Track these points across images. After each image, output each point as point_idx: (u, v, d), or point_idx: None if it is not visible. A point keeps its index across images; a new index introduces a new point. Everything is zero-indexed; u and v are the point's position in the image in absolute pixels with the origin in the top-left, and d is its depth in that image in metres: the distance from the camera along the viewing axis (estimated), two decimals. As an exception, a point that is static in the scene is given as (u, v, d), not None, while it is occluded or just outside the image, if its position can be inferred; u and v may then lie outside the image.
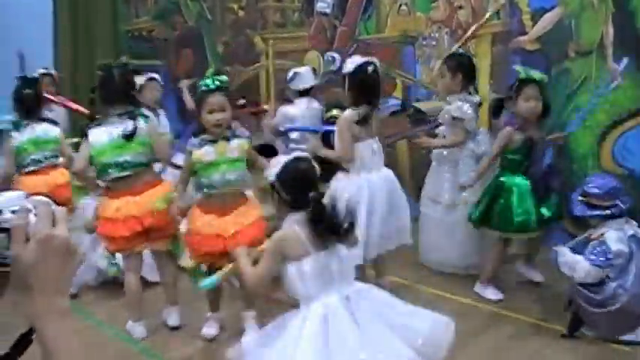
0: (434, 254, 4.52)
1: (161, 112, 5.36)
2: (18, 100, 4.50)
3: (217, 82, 3.50)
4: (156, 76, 5.26)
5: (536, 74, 3.96)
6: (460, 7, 5.24)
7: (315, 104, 5.09)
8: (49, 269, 0.99)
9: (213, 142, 3.49)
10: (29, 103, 4.51)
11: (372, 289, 2.79)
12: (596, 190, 3.55)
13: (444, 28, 5.34)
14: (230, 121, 3.57)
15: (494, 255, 4.18)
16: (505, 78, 4.96)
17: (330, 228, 2.62)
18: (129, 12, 8.33)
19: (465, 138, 4.32)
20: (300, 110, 5.03)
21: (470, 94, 4.35)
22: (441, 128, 4.46)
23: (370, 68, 3.85)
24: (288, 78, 5.10)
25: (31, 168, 4.48)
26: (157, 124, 4.61)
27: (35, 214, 1.00)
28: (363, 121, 3.85)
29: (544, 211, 3.95)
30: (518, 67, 4.07)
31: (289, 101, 5.20)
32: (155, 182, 3.72)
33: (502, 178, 4.04)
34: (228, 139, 3.52)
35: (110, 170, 3.59)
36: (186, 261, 3.84)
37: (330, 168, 3.89)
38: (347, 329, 2.55)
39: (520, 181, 3.97)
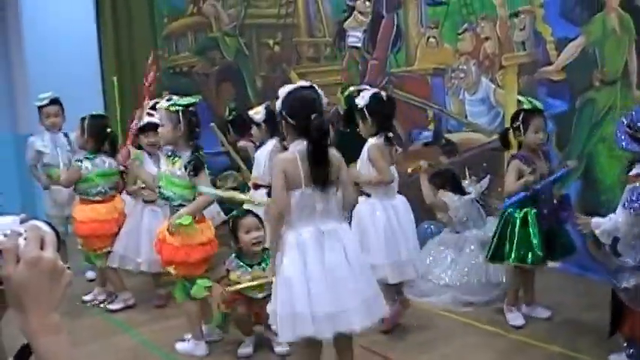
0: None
1: None
2: (94, 135, 4.95)
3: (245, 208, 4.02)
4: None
5: (539, 104, 4.17)
6: (487, 39, 5.47)
7: None
8: (39, 289, 1.08)
9: (250, 266, 3.89)
10: (104, 139, 4.99)
11: (347, 233, 3.24)
12: None
13: (472, 59, 5.58)
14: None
15: (509, 279, 4.44)
16: (532, 108, 5.18)
17: (323, 162, 3.05)
18: (169, 49, 8.80)
19: (436, 204, 4.85)
20: None
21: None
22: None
23: (384, 95, 4.17)
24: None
25: (97, 198, 4.95)
26: None
27: (25, 238, 1.10)
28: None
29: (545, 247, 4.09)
30: (521, 98, 4.29)
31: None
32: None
33: (509, 210, 4.21)
34: (263, 265, 3.91)
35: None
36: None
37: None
38: (312, 255, 3.06)
39: (524, 213, 4.12)
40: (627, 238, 3.39)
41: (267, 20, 7.45)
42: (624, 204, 3.36)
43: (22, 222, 1.15)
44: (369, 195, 4.21)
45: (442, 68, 5.82)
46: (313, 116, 3.00)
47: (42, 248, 1.10)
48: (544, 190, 4.12)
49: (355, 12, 6.45)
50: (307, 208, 3.09)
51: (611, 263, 3.54)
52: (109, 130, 5.07)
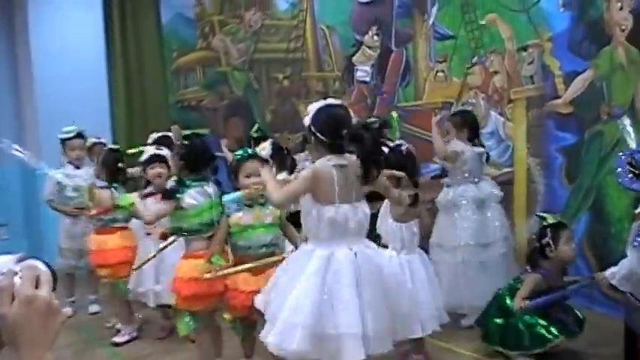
0: (448, 298, 4.70)
1: None
2: (107, 167, 5.11)
3: (250, 151, 4.03)
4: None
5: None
6: (495, 73, 5.59)
7: None
8: (33, 327, 1.10)
9: (250, 206, 3.94)
10: (116, 171, 5.13)
11: (377, 253, 3.28)
12: None
13: (481, 93, 5.70)
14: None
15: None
16: (541, 142, 5.29)
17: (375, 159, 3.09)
18: (178, 83, 8.97)
19: (445, 152, 4.83)
20: None
21: (475, 145, 4.89)
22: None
23: (404, 148, 4.20)
24: None
25: (115, 225, 5.08)
26: None
27: (20, 277, 1.12)
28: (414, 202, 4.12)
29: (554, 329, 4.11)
30: (543, 214, 4.40)
31: None
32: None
33: (508, 302, 4.26)
34: (263, 206, 3.96)
35: (205, 229, 4.01)
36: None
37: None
38: (346, 277, 3.06)
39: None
40: None
41: (277, 55, 7.62)
42: (632, 243, 3.42)
43: (18, 261, 1.18)
44: (386, 247, 4.21)
45: (451, 102, 5.93)
46: (344, 132, 3.07)
47: (37, 287, 1.13)
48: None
49: (363, 46, 6.60)
50: (341, 227, 3.13)
51: (633, 309, 3.58)
52: (120, 165, 5.17)
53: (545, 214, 4.38)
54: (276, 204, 3.24)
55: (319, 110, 3.20)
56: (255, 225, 3.91)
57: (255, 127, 6.21)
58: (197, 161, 4.09)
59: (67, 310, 5.57)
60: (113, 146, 5.61)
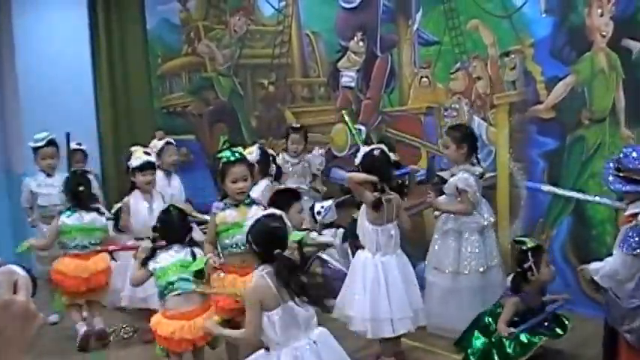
0: (441, 321, 4.82)
1: (175, 176, 6.17)
2: (71, 193, 5.17)
3: (237, 154, 4.07)
4: (172, 140, 6.12)
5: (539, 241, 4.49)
6: (478, 79, 5.67)
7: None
8: (10, 331, 1.11)
9: (236, 206, 4.08)
10: (81, 197, 5.17)
11: (329, 336, 3.27)
12: (636, 163, 3.42)
13: (464, 98, 5.77)
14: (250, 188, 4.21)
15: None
16: (524, 147, 5.38)
17: (295, 284, 3.11)
18: (163, 88, 9.00)
19: (472, 209, 4.72)
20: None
21: (473, 164, 4.87)
22: (441, 198, 4.95)
23: (377, 152, 4.33)
24: (317, 212, 5.45)
25: (75, 252, 5.08)
26: None
27: None
28: (378, 205, 4.28)
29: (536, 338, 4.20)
30: (522, 238, 4.47)
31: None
32: (205, 306, 4.08)
33: (491, 322, 4.37)
34: (248, 205, 4.09)
35: (174, 286, 4.01)
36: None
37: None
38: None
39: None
40: (627, 282, 3.49)
41: (262, 60, 7.65)
42: (620, 245, 3.47)
43: None
44: (363, 247, 4.40)
45: (435, 107, 6.00)
46: (276, 252, 3.12)
47: (15, 292, 1.14)
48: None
49: (349, 52, 6.66)
50: (292, 325, 3.12)
51: (613, 306, 3.64)
52: (81, 188, 5.16)
53: (523, 238, 4.47)
54: (252, 337, 3.20)
55: (256, 222, 3.26)
56: (242, 223, 3.97)
57: (221, 142, 6.30)
58: (170, 234, 4.16)
59: (53, 317, 5.58)
60: (81, 168, 5.76)
